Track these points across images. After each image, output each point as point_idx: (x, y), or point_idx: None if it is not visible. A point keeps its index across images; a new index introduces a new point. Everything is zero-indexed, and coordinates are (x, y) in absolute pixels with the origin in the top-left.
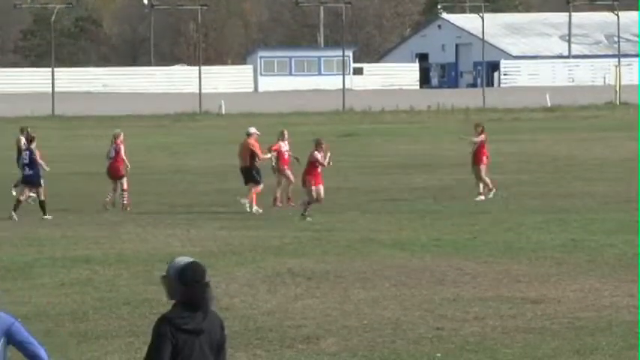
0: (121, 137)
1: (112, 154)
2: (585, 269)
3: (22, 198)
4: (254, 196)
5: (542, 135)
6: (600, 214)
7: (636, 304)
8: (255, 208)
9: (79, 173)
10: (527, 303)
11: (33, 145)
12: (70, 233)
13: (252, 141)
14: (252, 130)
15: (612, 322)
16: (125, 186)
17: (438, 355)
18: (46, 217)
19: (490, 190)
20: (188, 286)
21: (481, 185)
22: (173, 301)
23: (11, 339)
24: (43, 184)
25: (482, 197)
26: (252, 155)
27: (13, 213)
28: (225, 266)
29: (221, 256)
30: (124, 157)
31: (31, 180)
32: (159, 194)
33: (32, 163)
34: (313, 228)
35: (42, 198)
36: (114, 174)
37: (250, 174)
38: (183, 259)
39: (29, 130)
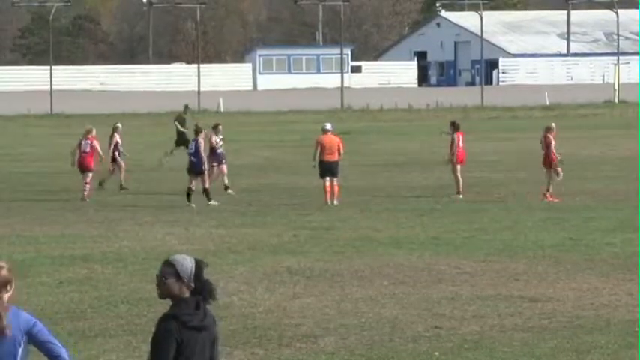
0: (94, 133)
1: (87, 148)
2: (583, 268)
3: (193, 187)
4: (338, 189)
5: (540, 133)
6: (599, 212)
7: (635, 302)
8: (337, 201)
9: (77, 172)
10: (525, 301)
11: (199, 137)
12: (68, 231)
13: (336, 137)
14: (331, 126)
15: (611, 320)
16: (89, 180)
17: (436, 353)
18: (211, 203)
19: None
20: (201, 280)
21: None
22: (166, 300)
23: (33, 339)
24: (206, 173)
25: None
26: (339, 150)
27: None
28: (223, 264)
29: (219, 254)
30: (101, 153)
31: (194, 168)
32: (157, 192)
33: (197, 153)
34: (311, 226)
35: (206, 186)
36: (86, 167)
37: (337, 168)
38: (185, 256)
39: (199, 124)
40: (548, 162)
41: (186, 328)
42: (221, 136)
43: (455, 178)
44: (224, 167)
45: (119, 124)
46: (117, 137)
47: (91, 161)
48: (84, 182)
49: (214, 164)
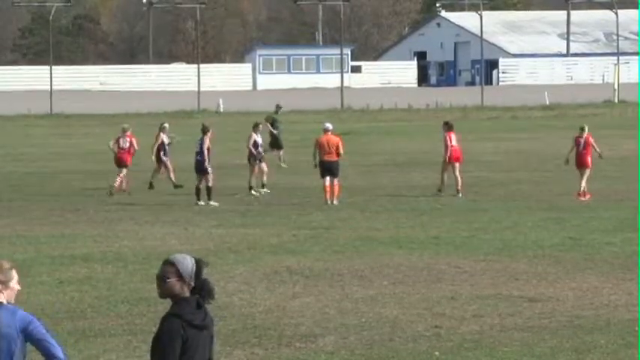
0: (130, 131)
1: (125, 145)
2: (583, 267)
3: (200, 186)
4: (339, 189)
5: (540, 133)
6: (599, 212)
7: (635, 302)
8: (336, 201)
9: (77, 171)
10: (525, 301)
11: (205, 136)
12: (68, 231)
13: (336, 136)
14: (330, 126)
15: (611, 320)
16: (122, 174)
17: (436, 353)
18: (212, 202)
19: (439, 189)
20: (201, 279)
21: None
22: (166, 300)
23: (29, 337)
24: (210, 171)
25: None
26: (337, 150)
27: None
28: (223, 264)
29: (219, 254)
30: (136, 147)
31: (198, 167)
32: (156, 192)
33: (201, 152)
34: (311, 226)
35: (209, 184)
36: (123, 162)
37: (337, 168)
38: (185, 256)
39: (205, 123)
40: (583, 161)
41: (190, 327)
42: (260, 135)
43: (441, 176)
44: (263, 166)
45: (166, 124)
46: (162, 136)
47: (129, 157)
48: (117, 175)
49: (257, 162)
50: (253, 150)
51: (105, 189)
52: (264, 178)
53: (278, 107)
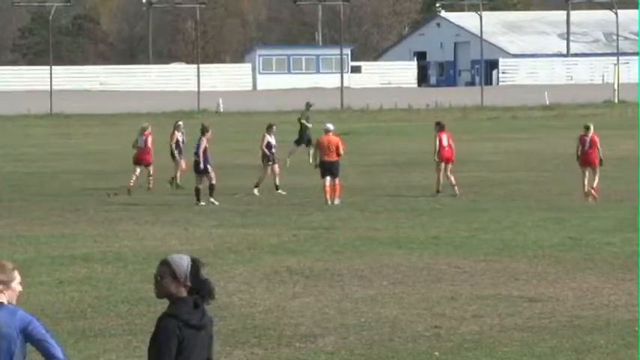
0: (149, 130)
1: (142, 144)
2: (583, 267)
3: (200, 186)
4: (340, 188)
5: (540, 133)
6: (599, 212)
7: (635, 302)
8: (338, 200)
9: (77, 171)
10: (525, 301)
11: (203, 136)
12: (68, 231)
13: (336, 137)
14: (332, 126)
15: (610, 320)
16: (152, 172)
17: (436, 353)
18: (211, 200)
19: (437, 190)
20: (199, 280)
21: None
22: (165, 300)
23: (28, 337)
24: (210, 171)
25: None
26: (337, 150)
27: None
28: (223, 264)
29: (219, 254)
30: (150, 147)
31: (195, 167)
32: (156, 192)
33: (198, 152)
34: (311, 226)
35: (212, 182)
36: (144, 161)
37: (337, 168)
38: (182, 256)
39: (205, 123)
40: (589, 160)
41: (187, 327)
42: (274, 136)
43: (437, 177)
44: (276, 167)
45: (180, 122)
46: (177, 135)
47: (148, 157)
48: (147, 175)
49: (269, 163)
50: (267, 151)
51: (105, 189)
52: (277, 179)
53: (308, 105)
